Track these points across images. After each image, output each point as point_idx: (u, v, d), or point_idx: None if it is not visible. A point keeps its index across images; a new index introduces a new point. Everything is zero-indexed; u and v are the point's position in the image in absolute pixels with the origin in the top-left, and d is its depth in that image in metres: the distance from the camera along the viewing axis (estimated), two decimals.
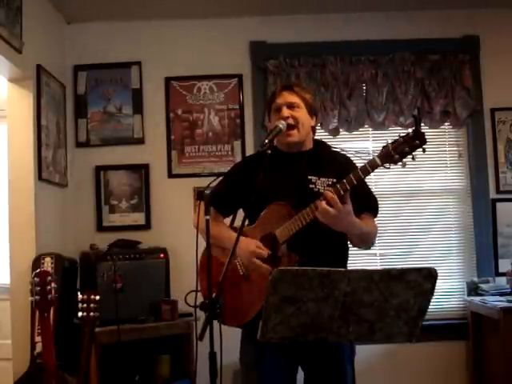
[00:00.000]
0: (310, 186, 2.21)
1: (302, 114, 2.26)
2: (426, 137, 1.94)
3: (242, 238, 2.11)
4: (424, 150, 1.94)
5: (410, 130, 1.97)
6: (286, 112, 2.23)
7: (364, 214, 2.21)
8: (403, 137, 1.95)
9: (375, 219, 2.29)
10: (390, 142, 1.97)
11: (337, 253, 2.26)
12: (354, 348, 2.20)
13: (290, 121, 2.22)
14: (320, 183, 2.21)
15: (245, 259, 2.20)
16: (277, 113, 2.26)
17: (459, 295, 4.01)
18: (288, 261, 2.13)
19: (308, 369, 2.26)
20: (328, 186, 2.17)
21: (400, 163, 1.95)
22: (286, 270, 1.83)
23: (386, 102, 3.97)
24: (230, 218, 2.36)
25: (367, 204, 2.25)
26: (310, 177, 2.22)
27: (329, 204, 1.99)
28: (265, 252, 2.16)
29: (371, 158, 2.00)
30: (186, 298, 2.25)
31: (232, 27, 4.07)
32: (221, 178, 2.39)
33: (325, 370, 2.20)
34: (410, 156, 1.94)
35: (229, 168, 2.55)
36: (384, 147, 1.98)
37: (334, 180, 2.17)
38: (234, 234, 2.08)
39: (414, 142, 1.93)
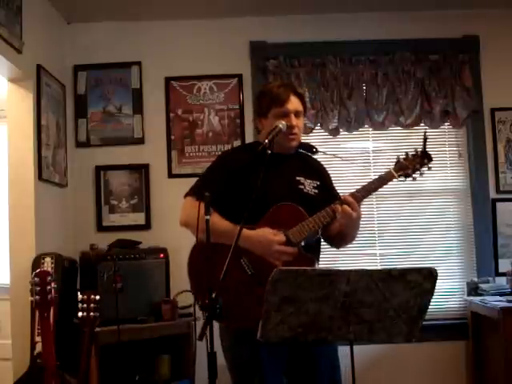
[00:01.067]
0: (300, 186, 2.28)
1: (302, 121, 2.34)
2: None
3: (250, 232, 2.12)
4: (429, 168, 2.23)
5: (418, 149, 2.25)
6: (294, 121, 2.27)
7: None
8: (413, 154, 2.22)
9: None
10: (401, 157, 2.23)
11: (319, 254, 2.35)
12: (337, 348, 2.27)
13: (296, 130, 2.28)
14: (307, 184, 2.29)
15: (264, 250, 2.13)
16: (282, 117, 2.26)
17: (459, 295, 4.01)
18: (308, 262, 2.14)
19: (293, 372, 2.26)
20: (314, 187, 2.30)
21: (411, 178, 2.23)
22: (286, 269, 1.83)
23: (386, 102, 3.97)
24: None
25: None
26: (298, 178, 2.29)
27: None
28: (282, 237, 2.15)
29: (387, 170, 2.24)
30: (175, 297, 2.25)
31: (232, 27, 4.06)
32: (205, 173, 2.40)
33: (314, 374, 2.22)
34: (419, 172, 2.22)
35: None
36: (398, 162, 2.24)
37: (318, 183, 2.32)
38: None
39: (424, 160, 2.21)
